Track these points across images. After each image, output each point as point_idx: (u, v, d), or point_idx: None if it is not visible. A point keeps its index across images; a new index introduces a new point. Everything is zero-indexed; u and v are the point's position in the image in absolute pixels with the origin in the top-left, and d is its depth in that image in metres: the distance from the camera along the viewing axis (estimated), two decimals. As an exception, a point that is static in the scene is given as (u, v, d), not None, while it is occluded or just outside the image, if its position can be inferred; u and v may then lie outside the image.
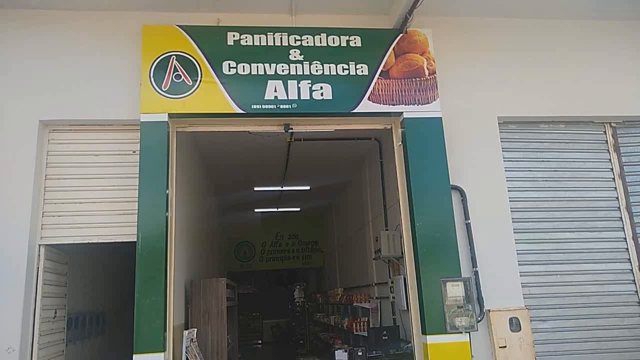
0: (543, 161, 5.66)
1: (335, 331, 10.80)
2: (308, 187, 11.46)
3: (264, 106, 4.95)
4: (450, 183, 5.05)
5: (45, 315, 4.68)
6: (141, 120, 4.77)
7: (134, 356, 4.26)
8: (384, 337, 6.62)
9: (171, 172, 4.85)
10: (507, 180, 5.41)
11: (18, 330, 4.36)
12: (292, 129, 5.26)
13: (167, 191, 4.70)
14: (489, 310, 4.94)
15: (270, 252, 16.39)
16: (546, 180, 5.61)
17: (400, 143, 5.25)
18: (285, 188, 11.28)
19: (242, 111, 4.91)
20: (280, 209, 14.00)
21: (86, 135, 4.99)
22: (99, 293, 7.04)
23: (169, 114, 4.82)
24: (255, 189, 11.25)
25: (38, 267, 4.64)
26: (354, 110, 5.10)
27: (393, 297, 7.33)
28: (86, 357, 6.34)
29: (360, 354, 6.47)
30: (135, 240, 4.51)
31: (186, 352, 4.91)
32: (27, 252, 4.53)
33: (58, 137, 4.96)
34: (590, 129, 5.86)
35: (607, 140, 5.83)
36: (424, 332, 4.68)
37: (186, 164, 6.58)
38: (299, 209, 14.34)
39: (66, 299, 5.31)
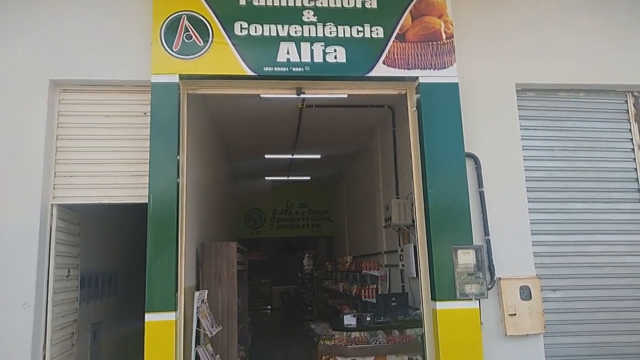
0: (561, 130, 5.52)
1: (343, 298, 10.93)
2: (319, 156, 11.39)
3: (276, 69, 4.85)
4: (465, 150, 4.96)
5: (58, 273, 4.74)
6: (152, 81, 4.70)
7: (146, 314, 4.32)
8: (392, 304, 6.66)
9: (182, 135, 4.81)
10: (523, 149, 5.29)
11: (32, 287, 4.43)
12: (304, 92, 5.16)
13: (178, 156, 4.66)
14: (500, 279, 4.92)
15: (280, 220, 16.50)
16: (563, 150, 5.48)
17: (415, 109, 5.14)
18: (295, 156, 11.23)
19: (253, 73, 4.81)
20: (290, 178, 13.99)
21: (97, 96, 4.94)
22: (111, 254, 7.14)
23: (179, 75, 4.75)
24: (266, 156, 11.21)
25: (51, 227, 4.67)
26: (368, 75, 4.97)
27: (402, 265, 7.35)
28: (99, 316, 6.48)
29: (368, 319, 6.52)
30: (147, 201, 4.52)
31: (197, 313, 4.98)
32: (40, 211, 4.56)
33: (69, 97, 4.91)
34: (611, 98, 5.68)
35: (628, 110, 5.65)
36: (434, 299, 4.68)
37: (198, 130, 6.54)
38: (309, 178, 14.32)
39: (79, 258, 5.38)
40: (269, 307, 20.25)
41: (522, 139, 5.32)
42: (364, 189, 10.58)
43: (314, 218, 16.57)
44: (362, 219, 10.98)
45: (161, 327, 4.31)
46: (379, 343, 6.08)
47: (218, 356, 5.52)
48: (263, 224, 16.42)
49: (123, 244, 7.52)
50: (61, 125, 4.86)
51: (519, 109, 5.38)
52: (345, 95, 6.58)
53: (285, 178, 14.02)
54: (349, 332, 6.37)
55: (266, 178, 14.26)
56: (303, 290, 19.19)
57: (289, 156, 11.26)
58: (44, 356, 4.51)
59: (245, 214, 16.19)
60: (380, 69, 4.98)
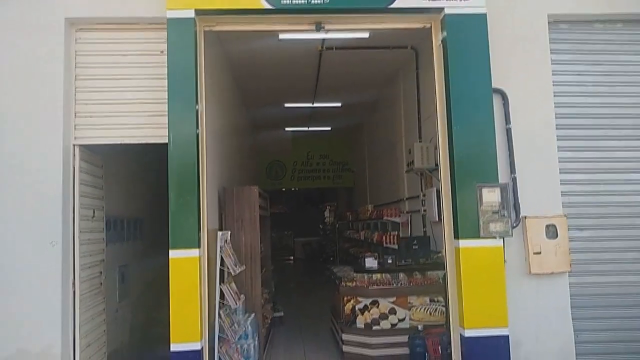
0: (595, 64, 5.25)
1: (364, 246, 10.99)
2: (339, 104, 11.18)
3: (294, 1, 4.65)
4: (492, 86, 4.75)
5: (83, 213, 4.82)
6: (167, 16, 4.58)
7: (170, 251, 4.38)
8: (414, 247, 6.65)
9: (200, 74, 4.71)
10: (553, 85, 5.08)
11: (59, 225, 4.53)
12: (323, 27, 4.96)
13: (197, 105, 4.59)
14: (525, 217, 4.81)
15: (301, 172, 16.50)
16: (596, 85, 5.22)
17: (440, 43, 4.91)
18: (316, 105, 11.04)
19: (271, 7, 4.63)
20: (311, 128, 13.84)
21: (113, 34, 4.86)
22: (137, 200, 7.23)
23: (195, 10, 4.61)
24: (286, 105, 11.05)
25: (74, 167, 4.72)
26: (391, 6, 4.73)
27: (424, 210, 7.28)
28: (127, 258, 6.63)
29: (390, 261, 6.53)
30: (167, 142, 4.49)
31: (221, 252, 5.04)
32: (62, 152, 4.60)
33: (85, 36, 4.85)
34: (650, 29, 5.35)
35: (669, 42, 5.32)
36: (457, 237, 4.61)
37: (216, 74, 6.42)
38: (329, 128, 14.15)
39: (103, 201, 5.45)
40: (292, 257, 20.68)
41: (552, 74, 5.09)
42: (385, 136, 10.41)
43: (334, 170, 16.52)
44: (383, 166, 10.87)
45: (185, 263, 4.37)
46: (401, 285, 6.11)
47: (242, 295, 5.63)
48: (284, 176, 16.46)
49: (148, 192, 7.61)
50: (79, 65, 4.83)
51: (550, 42, 5.11)
52: (367, 35, 6.33)
53: (306, 129, 13.88)
54: (371, 274, 6.40)
55: (286, 129, 14.14)
56: (325, 241, 19.44)
57: (309, 105, 11.08)
58: (74, 292, 4.66)
59: (267, 166, 16.24)
60: (404, 0, 4.73)
